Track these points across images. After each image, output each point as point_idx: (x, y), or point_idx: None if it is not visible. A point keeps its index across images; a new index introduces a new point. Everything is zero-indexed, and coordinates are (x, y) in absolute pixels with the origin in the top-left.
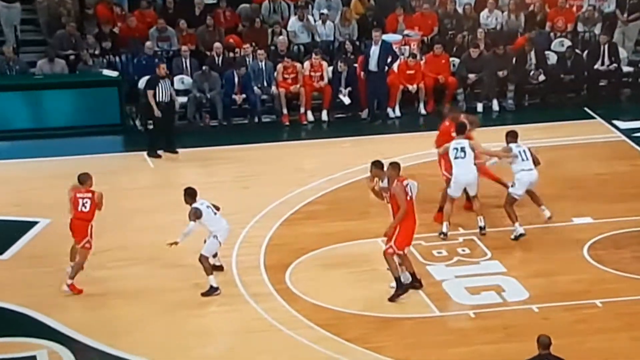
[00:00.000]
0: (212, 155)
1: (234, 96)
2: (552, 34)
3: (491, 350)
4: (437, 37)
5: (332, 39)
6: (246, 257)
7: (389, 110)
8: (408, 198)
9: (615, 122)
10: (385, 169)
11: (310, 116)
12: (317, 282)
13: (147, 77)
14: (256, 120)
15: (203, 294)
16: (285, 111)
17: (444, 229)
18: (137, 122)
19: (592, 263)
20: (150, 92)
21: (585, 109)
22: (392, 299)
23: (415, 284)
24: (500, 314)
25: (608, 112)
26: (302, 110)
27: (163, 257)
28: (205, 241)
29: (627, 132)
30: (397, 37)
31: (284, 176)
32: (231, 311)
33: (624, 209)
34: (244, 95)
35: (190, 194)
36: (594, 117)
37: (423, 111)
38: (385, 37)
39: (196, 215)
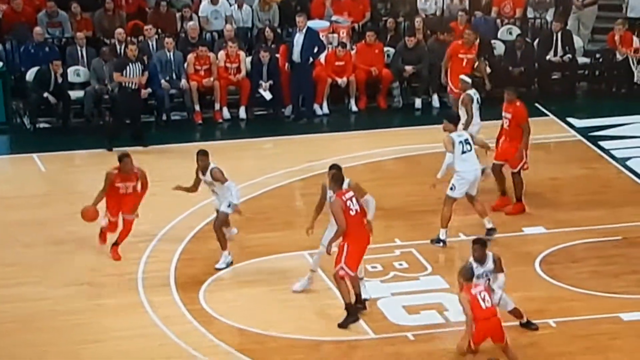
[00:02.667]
0: (112, 158)
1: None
2: (498, 21)
3: None
4: (370, 23)
5: (250, 25)
6: (154, 274)
7: (316, 106)
8: (352, 213)
9: (570, 120)
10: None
11: (226, 113)
12: (235, 302)
13: (115, 60)
14: (164, 118)
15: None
16: (197, 108)
17: (442, 236)
18: (26, 120)
19: (545, 278)
20: (117, 75)
21: (537, 105)
22: (342, 325)
23: (359, 306)
24: (442, 336)
25: (562, 109)
26: (217, 106)
27: (56, 276)
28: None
29: (583, 132)
30: (324, 23)
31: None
32: (137, 336)
33: (580, 218)
34: (149, 90)
35: (204, 153)
36: (546, 115)
37: (354, 108)
38: (310, 23)
39: (223, 176)
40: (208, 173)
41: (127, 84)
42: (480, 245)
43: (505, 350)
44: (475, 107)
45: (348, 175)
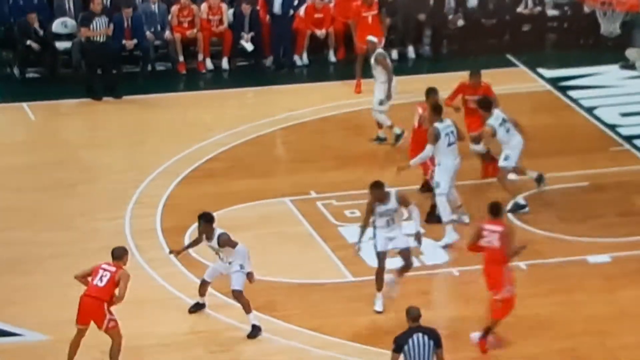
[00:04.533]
0: (99, 107)
1: (123, 41)
2: None
3: None
4: None
5: None
6: (141, 220)
7: (296, 57)
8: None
9: (540, 70)
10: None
11: (209, 64)
12: None
13: (81, 14)
14: (149, 68)
15: (249, 336)
16: (181, 59)
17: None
18: (15, 70)
19: (516, 223)
20: (84, 29)
21: (508, 56)
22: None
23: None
24: (418, 279)
25: (532, 60)
26: (200, 57)
27: (44, 220)
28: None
29: (553, 82)
30: None
31: (180, 130)
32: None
33: (550, 165)
34: (135, 41)
35: (209, 219)
36: (516, 65)
37: (333, 58)
38: None
39: (231, 242)
40: (215, 240)
41: (94, 37)
42: (375, 187)
43: None
44: (389, 62)
45: (324, 125)
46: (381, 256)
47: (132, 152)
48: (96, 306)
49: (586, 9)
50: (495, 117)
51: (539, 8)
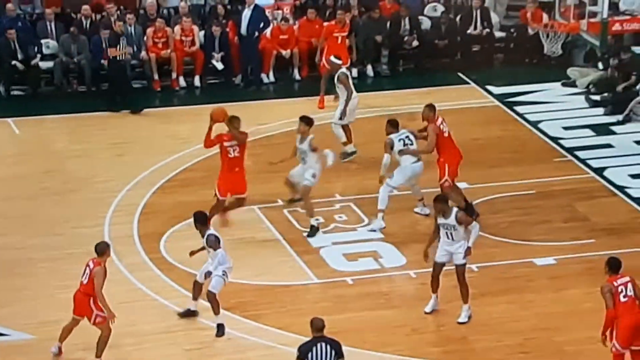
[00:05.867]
0: (82, 122)
1: (102, 61)
2: None
3: (371, 317)
4: (310, 1)
5: (202, 2)
6: (119, 226)
7: (263, 75)
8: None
9: (489, 87)
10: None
11: (182, 82)
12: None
13: (106, 36)
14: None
15: (217, 335)
16: (156, 77)
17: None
18: (0, 88)
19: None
20: (112, 50)
21: (459, 74)
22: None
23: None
24: (378, 280)
25: (482, 78)
26: (174, 75)
27: (33, 227)
28: (206, 275)
29: (500, 97)
30: (269, 1)
31: (156, 143)
32: (105, 282)
33: (500, 174)
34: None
35: (201, 220)
36: (468, 83)
37: (297, 76)
38: (258, 0)
39: (218, 242)
40: (204, 239)
41: (119, 57)
42: (436, 200)
43: None
44: (351, 82)
45: (291, 138)
46: (434, 266)
47: (112, 163)
48: (83, 301)
49: (530, 31)
50: (399, 134)
51: (487, 30)
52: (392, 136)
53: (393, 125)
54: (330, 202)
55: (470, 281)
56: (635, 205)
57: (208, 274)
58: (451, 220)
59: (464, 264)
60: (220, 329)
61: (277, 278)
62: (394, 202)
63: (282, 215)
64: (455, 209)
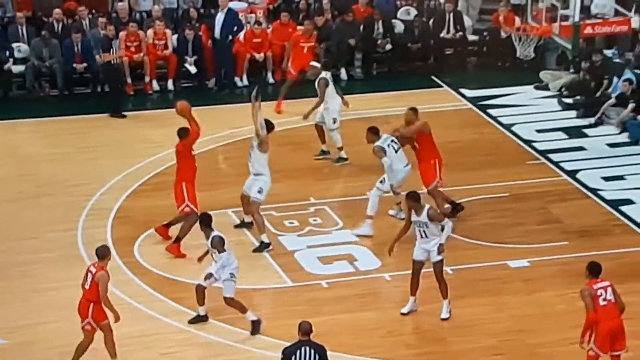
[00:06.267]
0: (54, 126)
1: (74, 65)
2: (398, 2)
3: (346, 320)
4: (283, 5)
5: (175, 6)
6: (93, 230)
7: (236, 79)
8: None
9: (462, 90)
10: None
11: (155, 85)
12: (167, 255)
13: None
14: (99, 89)
15: (252, 333)
16: (129, 80)
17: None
18: None
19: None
20: (105, 55)
21: (433, 77)
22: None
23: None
24: (353, 283)
25: (455, 81)
26: (147, 79)
27: (8, 231)
28: (206, 277)
29: (474, 101)
30: (242, 4)
31: (130, 147)
32: (77, 286)
33: (474, 177)
34: (85, 64)
35: (206, 221)
36: (441, 86)
37: (271, 80)
38: (231, 4)
39: (223, 244)
40: (209, 241)
41: (114, 60)
42: (408, 197)
43: None
44: (331, 87)
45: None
46: (413, 264)
47: (85, 167)
48: (84, 307)
49: (503, 34)
50: (384, 139)
51: (460, 33)
52: (378, 143)
53: (374, 132)
54: (305, 205)
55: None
56: (608, 208)
57: (208, 276)
58: (423, 217)
59: (441, 261)
60: (255, 326)
61: (252, 281)
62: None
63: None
64: (427, 206)
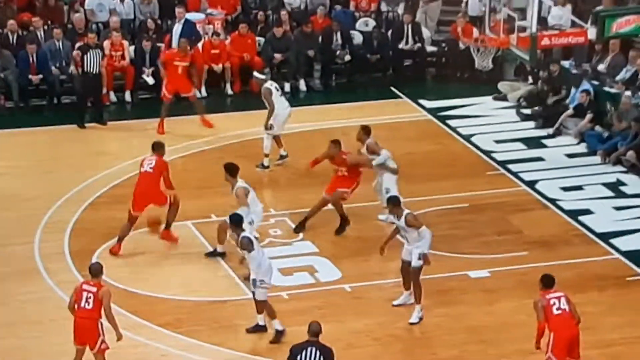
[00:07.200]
0: (9, 139)
1: (30, 76)
2: (356, 14)
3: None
4: (242, 16)
5: (132, 17)
6: (49, 243)
7: (195, 90)
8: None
9: (421, 101)
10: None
11: (112, 97)
12: (126, 267)
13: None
14: (55, 101)
15: (271, 342)
16: (105, 90)
17: None
18: None
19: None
20: (78, 55)
21: (392, 88)
22: (339, 232)
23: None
24: (313, 295)
25: (414, 92)
26: (104, 90)
27: None
28: (253, 284)
29: (433, 112)
30: (200, 15)
31: (87, 159)
32: (37, 300)
33: (433, 188)
34: (40, 76)
35: (236, 222)
36: (400, 97)
37: (230, 91)
38: (188, 15)
39: (252, 244)
40: (239, 241)
41: (88, 70)
42: (389, 201)
43: None
44: (277, 96)
45: (223, 153)
46: (402, 263)
47: (42, 180)
48: (90, 327)
49: (461, 46)
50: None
51: (418, 44)
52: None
53: (367, 132)
54: (265, 216)
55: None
56: (567, 218)
57: (254, 283)
58: (402, 222)
59: (417, 267)
60: (277, 335)
61: (212, 294)
62: (329, 216)
63: (216, 230)
64: (406, 212)
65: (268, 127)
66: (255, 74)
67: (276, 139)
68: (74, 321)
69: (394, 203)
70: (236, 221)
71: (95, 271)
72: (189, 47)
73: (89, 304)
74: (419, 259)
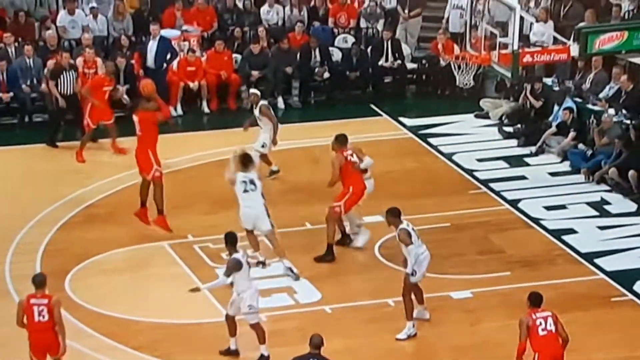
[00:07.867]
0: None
1: (0, 94)
2: (335, 30)
3: (287, 353)
4: (218, 32)
5: (106, 34)
6: (21, 265)
7: (170, 109)
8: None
9: (402, 119)
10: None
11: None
12: (100, 289)
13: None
14: (26, 120)
15: None
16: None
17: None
18: None
19: (383, 262)
20: (52, 83)
21: (372, 106)
22: (318, 259)
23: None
24: (293, 316)
25: (394, 109)
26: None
27: None
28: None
29: (414, 129)
30: (175, 32)
31: (60, 178)
32: (6, 324)
33: (414, 206)
34: (11, 94)
35: (231, 241)
36: (380, 114)
37: (206, 109)
38: (163, 32)
39: (235, 268)
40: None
41: (63, 91)
42: (387, 212)
43: None
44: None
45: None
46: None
47: (13, 199)
48: (49, 336)
49: (442, 63)
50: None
51: (398, 61)
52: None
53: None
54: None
55: (385, 315)
56: (550, 237)
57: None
58: (396, 235)
59: (409, 283)
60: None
61: (188, 315)
62: (306, 236)
63: (192, 251)
64: (400, 226)
65: (275, 143)
66: (252, 90)
67: (263, 157)
68: (29, 337)
69: (391, 214)
70: (231, 240)
71: (40, 282)
72: (113, 71)
73: (43, 317)
74: (411, 274)
